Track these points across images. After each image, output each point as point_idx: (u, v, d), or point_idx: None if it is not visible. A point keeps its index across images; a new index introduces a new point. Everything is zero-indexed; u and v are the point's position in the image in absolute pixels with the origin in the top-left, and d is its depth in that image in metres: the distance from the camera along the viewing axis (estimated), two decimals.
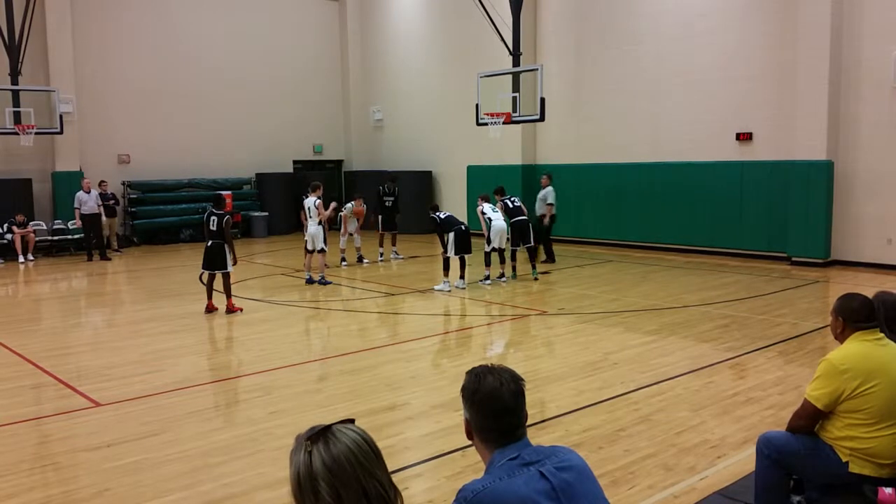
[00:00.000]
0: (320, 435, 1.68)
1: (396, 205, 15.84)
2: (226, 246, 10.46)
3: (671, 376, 7.11)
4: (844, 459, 3.50)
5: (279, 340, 9.12)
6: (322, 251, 12.84)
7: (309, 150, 23.75)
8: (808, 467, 3.67)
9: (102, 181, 18.13)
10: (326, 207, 13.22)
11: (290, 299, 11.85)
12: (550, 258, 15.12)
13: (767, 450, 3.73)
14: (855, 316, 3.61)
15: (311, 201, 12.88)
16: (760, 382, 6.91)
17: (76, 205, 16.91)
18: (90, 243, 17.15)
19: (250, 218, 21.41)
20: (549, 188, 14.88)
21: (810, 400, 3.57)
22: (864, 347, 3.54)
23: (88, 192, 16.95)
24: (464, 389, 2.27)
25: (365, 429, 1.73)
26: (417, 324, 10.29)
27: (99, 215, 17.24)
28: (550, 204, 14.74)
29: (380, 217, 15.72)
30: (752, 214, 15.17)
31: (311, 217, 12.82)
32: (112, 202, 17.97)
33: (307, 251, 13.07)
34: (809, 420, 3.62)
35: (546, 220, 14.76)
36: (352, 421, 1.74)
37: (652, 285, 12.50)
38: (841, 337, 3.68)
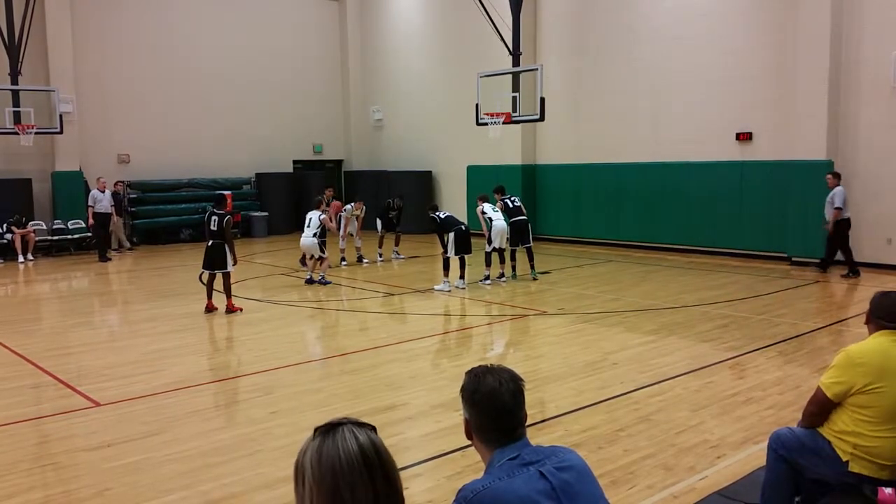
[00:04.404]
0: (327, 430, 1.69)
1: (399, 218, 15.95)
2: (226, 246, 10.46)
3: (671, 376, 7.11)
4: (845, 459, 3.50)
5: (279, 340, 9.12)
6: (321, 259, 12.89)
7: (309, 150, 23.75)
8: (809, 464, 3.69)
9: (118, 182, 18.78)
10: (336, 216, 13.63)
11: (290, 299, 11.85)
12: (854, 271, 12.85)
13: (776, 445, 3.76)
14: (878, 312, 3.62)
15: (314, 214, 12.97)
16: (760, 382, 6.91)
17: (90, 202, 17.03)
18: (104, 242, 17.25)
19: (250, 218, 21.41)
20: (839, 188, 12.85)
21: (822, 387, 3.59)
22: (885, 346, 3.53)
23: (103, 192, 17.08)
24: (463, 389, 2.27)
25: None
26: (417, 324, 10.29)
27: (110, 215, 17.39)
28: (839, 208, 12.71)
29: (379, 221, 15.80)
30: (752, 214, 15.17)
31: (308, 226, 12.86)
32: (125, 203, 18.47)
33: (305, 257, 13.29)
34: (819, 407, 3.63)
35: (829, 227, 12.86)
36: (373, 428, 1.73)
37: (652, 285, 12.50)
38: (869, 329, 3.69)
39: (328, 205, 14.44)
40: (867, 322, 3.71)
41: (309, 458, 1.66)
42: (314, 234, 12.77)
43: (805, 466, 3.71)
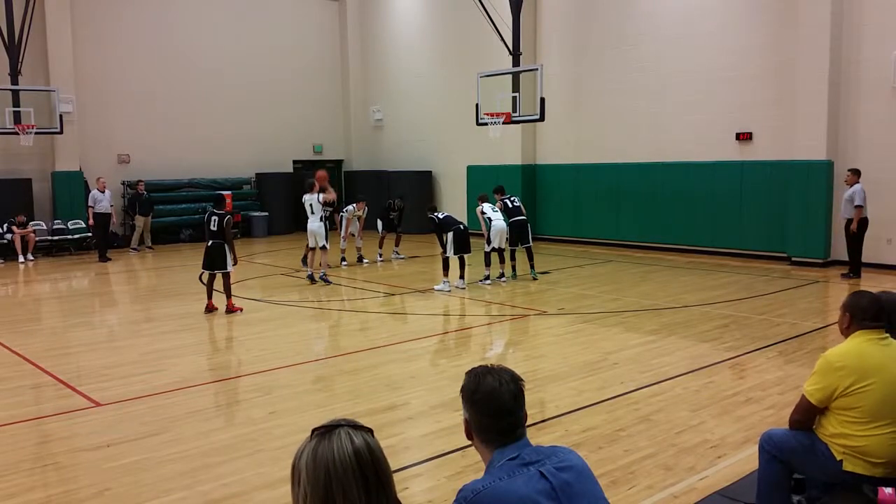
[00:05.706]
0: (324, 432, 1.70)
1: (400, 219, 16.00)
2: (226, 246, 10.46)
3: (671, 376, 7.11)
4: (838, 458, 3.51)
5: (279, 340, 9.13)
6: (324, 248, 12.87)
7: (309, 150, 23.74)
8: (805, 465, 3.70)
9: (139, 181, 19.03)
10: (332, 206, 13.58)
11: (290, 299, 11.85)
12: (856, 272, 12.72)
13: (768, 446, 3.77)
14: (861, 314, 3.62)
15: (312, 198, 12.86)
16: (760, 382, 6.91)
17: (90, 203, 17.08)
18: (104, 242, 17.25)
19: (250, 218, 21.42)
20: (858, 186, 12.46)
21: (805, 395, 3.62)
22: (863, 346, 3.54)
23: (103, 192, 17.12)
24: (463, 390, 2.27)
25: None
26: (417, 324, 10.29)
27: (110, 215, 17.43)
28: (859, 206, 12.39)
29: (380, 222, 15.82)
30: (752, 214, 15.17)
31: (312, 213, 12.84)
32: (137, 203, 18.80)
33: (309, 248, 13.16)
34: (805, 415, 3.65)
35: (854, 227, 12.46)
36: (370, 430, 1.75)
37: (652, 285, 12.50)
38: (846, 333, 3.69)
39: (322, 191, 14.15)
40: (847, 327, 3.68)
41: (304, 459, 1.67)
42: (321, 219, 12.77)
43: (799, 466, 3.72)
